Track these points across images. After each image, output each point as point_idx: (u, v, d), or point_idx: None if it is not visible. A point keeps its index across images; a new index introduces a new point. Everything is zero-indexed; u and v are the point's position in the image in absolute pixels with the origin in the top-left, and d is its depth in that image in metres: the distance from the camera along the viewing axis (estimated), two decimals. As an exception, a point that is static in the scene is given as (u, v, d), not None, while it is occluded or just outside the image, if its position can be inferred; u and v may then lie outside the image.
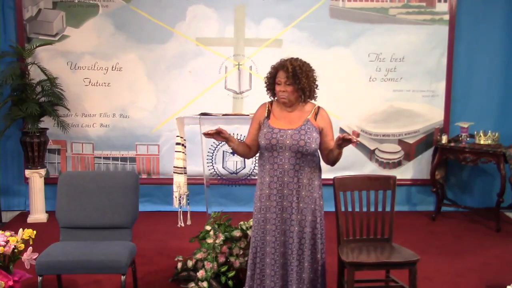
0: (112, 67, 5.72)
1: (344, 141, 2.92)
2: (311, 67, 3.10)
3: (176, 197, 4.01)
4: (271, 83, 3.13)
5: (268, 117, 3.14)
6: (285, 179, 3.06)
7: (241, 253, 3.72)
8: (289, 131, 3.05)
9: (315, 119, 3.12)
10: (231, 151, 4.64)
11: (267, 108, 3.18)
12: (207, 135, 3.04)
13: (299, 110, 3.13)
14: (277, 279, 3.11)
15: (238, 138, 4.56)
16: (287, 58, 3.10)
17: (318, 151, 3.17)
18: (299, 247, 3.09)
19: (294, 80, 3.02)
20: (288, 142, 3.03)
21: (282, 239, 3.10)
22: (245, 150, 3.22)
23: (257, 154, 3.28)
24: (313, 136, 3.07)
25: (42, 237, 3.88)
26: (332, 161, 3.13)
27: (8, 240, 3.44)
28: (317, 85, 3.12)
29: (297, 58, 3.10)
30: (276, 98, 3.17)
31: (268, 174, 3.09)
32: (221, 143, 4.56)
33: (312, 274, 3.14)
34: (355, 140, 2.90)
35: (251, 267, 3.17)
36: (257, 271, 3.15)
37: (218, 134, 3.04)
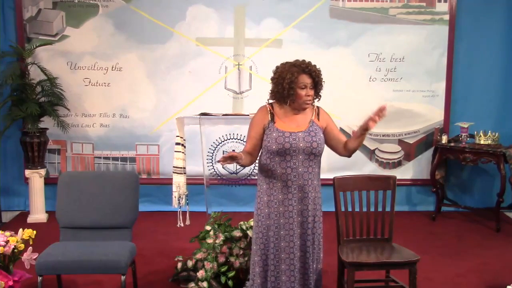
0: (112, 67, 5.72)
1: (372, 121, 2.91)
2: None
3: (175, 197, 4.01)
4: (293, 87, 2.97)
5: (273, 120, 3.06)
6: (300, 182, 3.02)
7: (241, 253, 3.72)
8: (300, 134, 3.01)
9: (318, 119, 3.11)
10: (231, 151, 4.65)
11: (269, 111, 3.09)
12: (222, 162, 2.88)
13: (303, 112, 3.09)
14: (295, 284, 3.05)
15: (238, 138, 4.57)
16: (305, 62, 3.01)
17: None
18: (318, 248, 3.09)
19: (319, 85, 3.01)
20: (301, 145, 2.98)
21: (298, 243, 3.04)
22: (249, 159, 3.07)
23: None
24: (321, 137, 3.06)
25: (42, 237, 3.88)
26: (351, 152, 3.11)
27: (8, 240, 3.44)
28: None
29: (310, 62, 3.04)
30: (286, 102, 3.05)
31: (281, 179, 3.02)
32: (220, 143, 4.56)
33: (319, 275, 3.14)
34: (377, 119, 2.89)
35: (262, 274, 3.08)
36: (272, 279, 3.07)
37: (231, 159, 2.90)
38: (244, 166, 3.14)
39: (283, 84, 2.98)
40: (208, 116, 4.09)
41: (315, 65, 3.03)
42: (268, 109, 3.10)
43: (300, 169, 3.01)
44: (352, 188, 3.50)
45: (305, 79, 2.98)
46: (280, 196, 3.03)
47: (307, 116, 3.10)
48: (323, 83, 3.06)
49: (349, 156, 3.16)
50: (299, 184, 3.02)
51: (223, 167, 5.03)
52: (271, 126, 3.04)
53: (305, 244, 3.06)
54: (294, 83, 2.97)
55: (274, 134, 3.01)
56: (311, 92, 3.01)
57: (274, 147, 2.99)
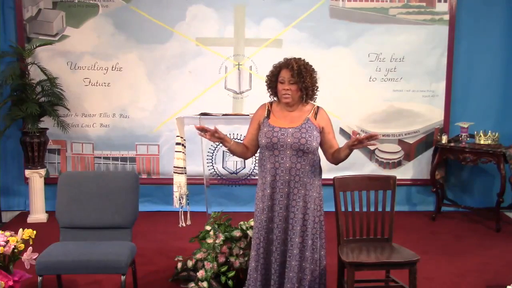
0: (112, 67, 5.72)
1: (359, 143, 2.93)
2: (313, 68, 3.12)
3: (176, 197, 4.01)
4: (273, 81, 3.12)
5: (268, 116, 3.14)
6: (287, 177, 3.06)
7: (241, 253, 3.72)
8: (290, 130, 3.06)
9: (315, 118, 3.13)
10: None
11: (267, 108, 3.17)
12: (201, 130, 2.99)
13: (299, 110, 3.14)
14: (276, 277, 3.10)
15: (238, 138, 4.56)
16: (291, 58, 3.10)
17: (320, 150, 3.18)
18: (300, 246, 3.09)
19: (298, 79, 3.02)
20: (289, 140, 3.03)
21: (283, 237, 3.10)
22: (243, 150, 3.21)
23: (257, 155, 3.28)
24: (314, 135, 3.08)
25: (42, 237, 3.87)
26: (338, 161, 3.15)
27: (8, 240, 3.45)
28: (317, 87, 3.13)
29: (301, 58, 3.11)
30: (276, 97, 3.17)
31: (270, 173, 3.08)
32: (220, 143, 4.56)
33: (310, 275, 3.13)
34: (371, 143, 2.91)
35: (255, 269, 3.15)
36: (262, 272, 3.13)
37: (212, 134, 3.01)
38: (234, 154, 3.21)
39: (267, 78, 3.15)
40: (208, 116, 4.09)
41: (299, 61, 3.06)
42: (267, 106, 3.19)
43: (287, 164, 3.05)
44: (352, 188, 3.50)
45: (284, 74, 3.05)
46: (269, 190, 3.09)
47: (303, 114, 3.13)
48: (313, 81, 3.06)
49: (335, 164, 3.20)
50: (285, 179, 3.06)
51: (223, 167, 5.04)
52: (265, 122, 3.13)
53: (287, 239, 3.09)
54: (274, 77, 3.10)
55: (265, 129, 3.10)
56: (291, 87, 3.05)
57: (263, 141, 3.08)
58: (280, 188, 3.07)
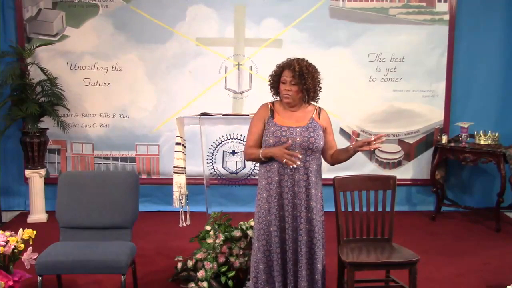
0: (112, 67, 5.72)
1: (364, 146, 2.98)
2: (316, 69, 3.11)
3: (176, 197, 4.02)
4: (275, 81, 3.12)
5: (272, 116, 3.13)
6: (296, 176, 3.05)
7: (241, 253, 3.72)
8: (298, 129, 3.06)
9: (319, 118, 3.14)
10: (231, 151, 4.66)
11: (269, 108, 3.16)
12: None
13: (302, 110, 3.14)
14: (291, 276, 3.10)
15: (238, 138, 4.57)
16: (294, 58, 3.09)
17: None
18: (310, 246, 3.10)
19: (300, 80, 3.02)
20: (298, 139, 3.03)
21: (294, 236, 3.09)
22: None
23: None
24: (320, 134, 3.10)
25: (42, 237, 3.87)
26: (336, 162, 3.18)
27: (8, 240, 3.45)
28: (320, 88, 3.13)
29: (304, 59, 3.10)
30: (278, 97, 3.17)
31: (278, 173, 3.06)
32: (220, 143, 4.57)
33: (318, 275, 3.14)
34: (376, 146, 2.97)
35: (264, 271, 3.13)
36: (280, 271, 3.12)
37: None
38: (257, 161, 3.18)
39: (270, 78, 3.15)
40: (208, 116, 4.09)
41: (302, 62, 3.06)
42: (269, 106, 3.18)
43: (296, 163, 3.02)
44: (352, 188, 3.50)
45: (286, 74, 3.05)
46: (278, 190, 3.08)
47: (307, 113, 3.14)
48: (315, 82, 3.07)
49: (332, 164, 3.24)
50: (294, 179, 3.06)
51: (223, 167, 5.05)
52: (270, 121, 3.11)
53: (297, 239, 3.09)
54: (277, 77, 3.10)
55: (272, 128, 3.08)
56: (292, 88, 3.05)
57: (271, 140, 3.06)
58: (289, 188, 3.06)
